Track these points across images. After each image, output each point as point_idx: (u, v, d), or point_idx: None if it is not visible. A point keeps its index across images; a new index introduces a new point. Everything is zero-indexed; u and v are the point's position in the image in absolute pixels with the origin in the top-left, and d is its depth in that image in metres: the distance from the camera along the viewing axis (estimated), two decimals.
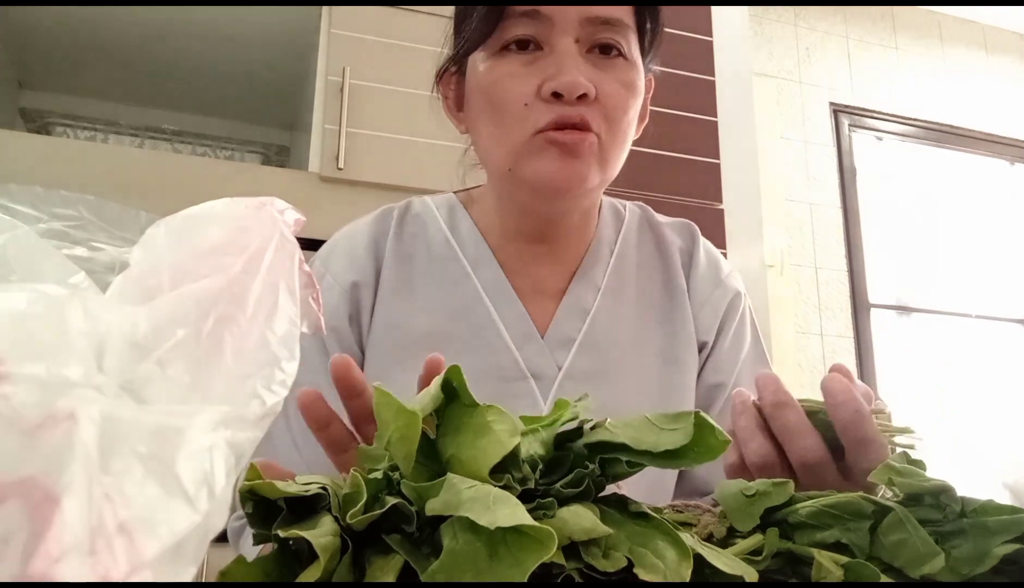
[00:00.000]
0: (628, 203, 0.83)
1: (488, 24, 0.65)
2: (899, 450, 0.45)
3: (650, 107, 0.77)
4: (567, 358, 0.71)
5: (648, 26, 0.70)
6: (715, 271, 0.80)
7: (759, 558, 0.32)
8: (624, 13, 0.66)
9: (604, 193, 0.78)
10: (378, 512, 0.30)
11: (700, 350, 0.76)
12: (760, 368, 0.78)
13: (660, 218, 0.83)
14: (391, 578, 0.29)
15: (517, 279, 0.74)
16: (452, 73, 0.73)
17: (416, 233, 0.76)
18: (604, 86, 0.64)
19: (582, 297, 0.74)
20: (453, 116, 0.75)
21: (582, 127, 0.63)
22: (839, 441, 0.46)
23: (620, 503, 0.33)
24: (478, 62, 0.67)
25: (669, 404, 0.72)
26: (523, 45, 0.65)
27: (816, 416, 0.47)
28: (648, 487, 0.70)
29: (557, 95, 0.63)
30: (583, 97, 0.63)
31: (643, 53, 0.70)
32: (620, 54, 0.66)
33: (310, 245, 1.35)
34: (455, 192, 0.81)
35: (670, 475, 0.74)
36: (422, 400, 0.33)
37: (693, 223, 0.82)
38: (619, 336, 0.74)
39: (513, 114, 0.64)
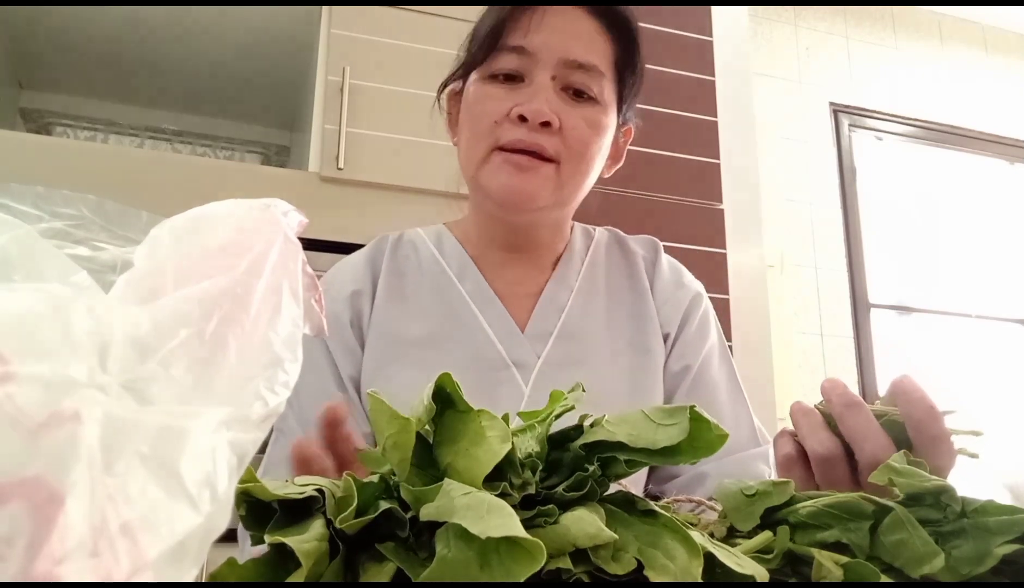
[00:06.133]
0: (597, 227, 0.92)
1: (482, 52, 0.75)
2: (961, 452, 0.48)
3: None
4: (545, 348, 0.79)
5: (626, 76, 0.78)
6: (677, 276, 0.88)
7: (769, 556, 0.32)
8: (601, 60, 0.75)
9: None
10: (369, 517, 0.30)
11: (664, 340, 0.84)
12: (725, 365, 0.85)
13: (626, 236, 0.92)
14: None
15: (497, 284, 0.82)
16: (456, 91, 0.82)
17: (408, 255, 0.85)
18: (569, 120, 0.73)
19: (557, 296, 0.83)
20: (451, 131, 0.85)
21: (537, 154, 0.72)
22: (903, 445, 0.48)
23: (627, 502, 0.33)
24: (471, 83, 0.77)
25: (640, 388, 0.80)
26: (510, 78, 0.74)
27: (880, 419, 0.49)
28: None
29: (523, 119, 0.71)
30: (546, 125, 0.71)
31: (620, 100, 0.79)
32: (591, 98, 0.75)
33: (311, 245, 1.35)
34: (444, 224, 0.91)
35: None
36: (416, 409, 0.33)
37: (656, 238, 0.91)
38: (592, 328, 0.82)
39: (484, 129, 0.74)
